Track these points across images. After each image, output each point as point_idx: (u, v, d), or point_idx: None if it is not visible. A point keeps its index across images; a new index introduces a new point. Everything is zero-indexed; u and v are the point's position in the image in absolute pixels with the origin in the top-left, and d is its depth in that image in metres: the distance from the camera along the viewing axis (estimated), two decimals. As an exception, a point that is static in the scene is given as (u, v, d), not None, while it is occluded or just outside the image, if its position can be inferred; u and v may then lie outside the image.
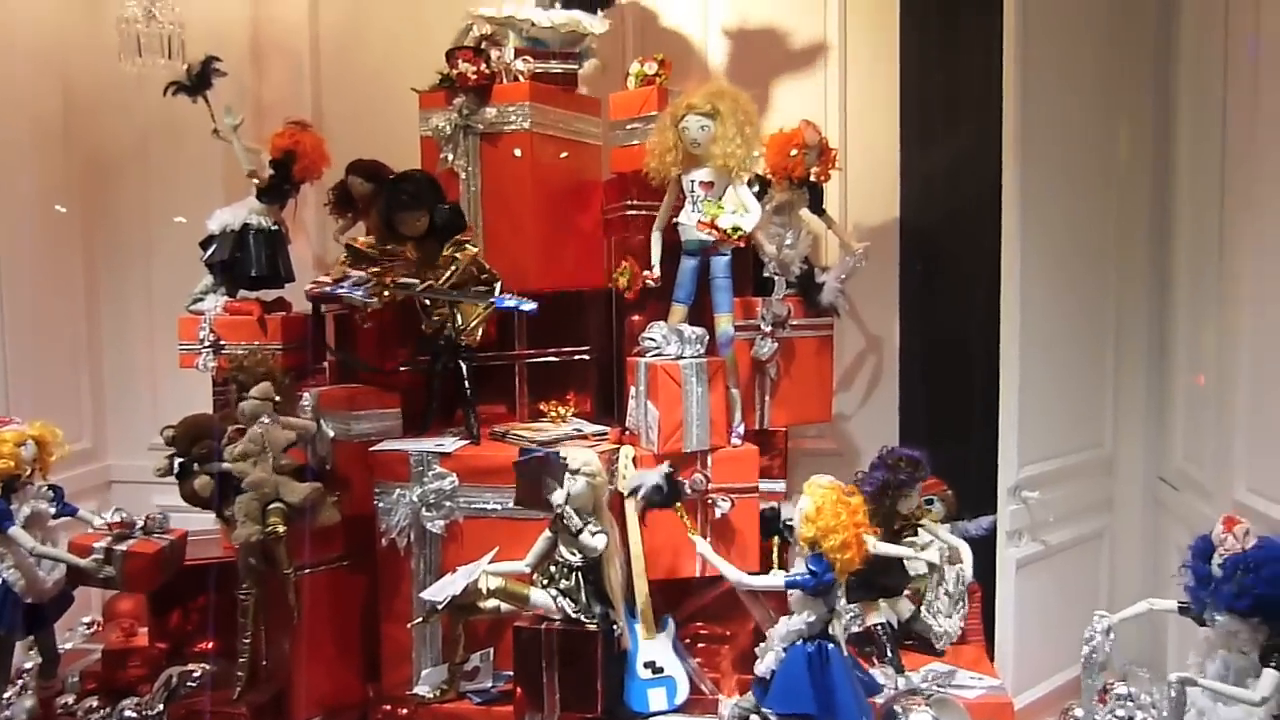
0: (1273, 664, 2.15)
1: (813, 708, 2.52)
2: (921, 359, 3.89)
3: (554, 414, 3.41)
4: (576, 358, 3.57)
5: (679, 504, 2.96)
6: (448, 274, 3.17)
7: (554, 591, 2.83)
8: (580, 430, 3.35)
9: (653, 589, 3.04)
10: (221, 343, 3.51)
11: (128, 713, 3.10)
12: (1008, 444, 3.19)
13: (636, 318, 3.42)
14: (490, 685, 3.05)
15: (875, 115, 3.87)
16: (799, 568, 2.59)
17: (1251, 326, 2.85)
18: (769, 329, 3.37)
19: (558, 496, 2.78)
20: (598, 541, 2.76)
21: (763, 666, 2.65)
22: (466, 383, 3.30)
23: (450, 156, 3.43)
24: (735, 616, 3.22)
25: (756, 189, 3.32)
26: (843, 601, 2.75)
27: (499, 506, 3.07)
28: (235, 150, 3.57)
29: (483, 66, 3.35)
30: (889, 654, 3.04)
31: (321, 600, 3.22)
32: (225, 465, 3.05)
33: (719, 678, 3.17)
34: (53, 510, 3.09)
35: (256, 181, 3.56)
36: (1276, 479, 2.70)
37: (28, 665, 3.25)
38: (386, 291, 3.14)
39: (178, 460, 3.11)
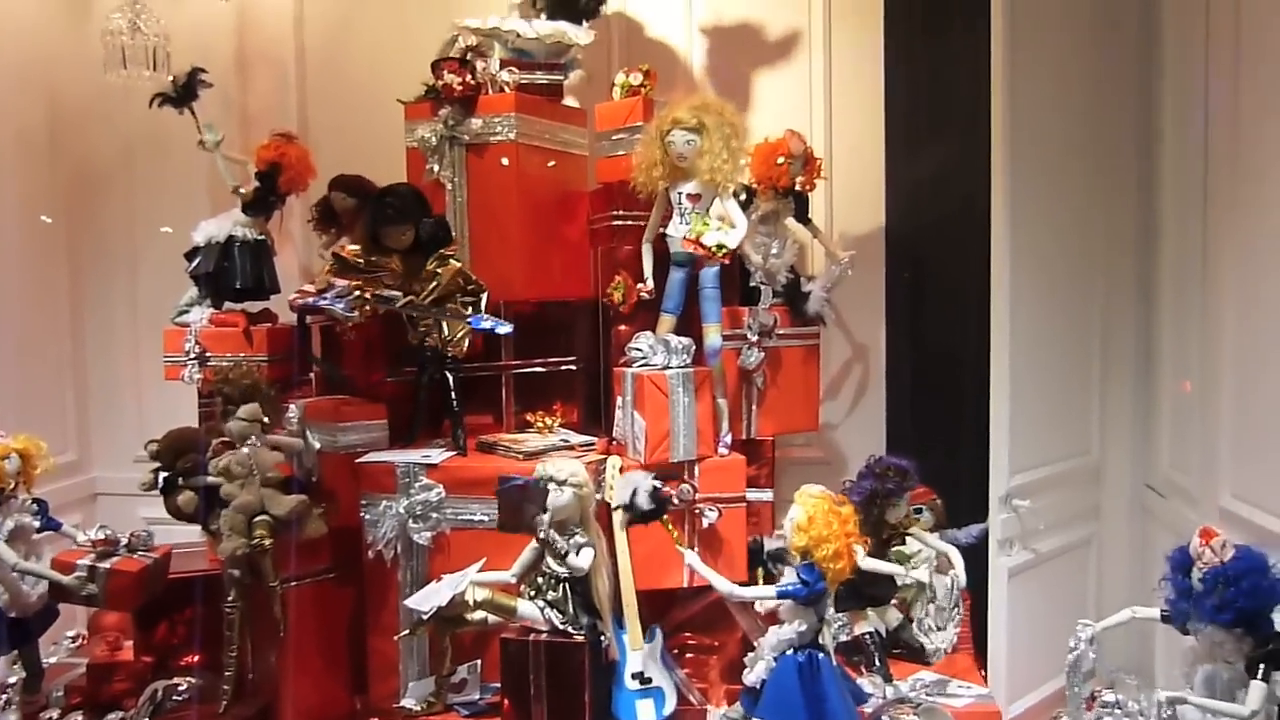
0: (1258, 676, 2.15)
1: (803, 717, 2.52)
2: (908, 367, 3.90)
3: (541, 424, 3.41)
4: (563, 368, 3.57)
5: (665, 516, 2.96)
6: (430, 288, 3.17)
7: (541, 603, 2.82)
8: (567, 441, 3.34)
9: (640, 599, 3.04)
10: (207, 354, 3.50)
11: (113, 728, 3.08)
12: (999, 453, 3.19)
13: (623, 328, 3.42)
14: (478, 697, 3.04)
15: (860, 124, 3.89)
16: (790, 577, 2.59)
17: (1235, 333, 2.86)
18: (755, 338, 3.37)
19: (542, 523, 2.76)
20: (583, 562, 2.76)
21: (752, 676, 2.66)
22: (453, 394, 3.29)
23: (436, 167, 3.43)
24: (723, 626, 3.22)
25: (743, 197, 3.33)
26: (831, 610, 2.75)
27: (486, 518, 3.06)
28: (219, 166, 3.57)
29: (468, 77, 3.35)
30: (877, 663, 3.04)
31: (308, 613, 3.19)
32: (210, 479, 3.03)
33: (707, 688, 3.16)
34: (37, 524, 3.08)
35: (243, 192, 3.56)
36: (1261, 485, 2.71)
37: (11, 680, 3.21)
38: (368, 305, 3.13)
39: (162, 475, 3.10)
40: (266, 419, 3.08)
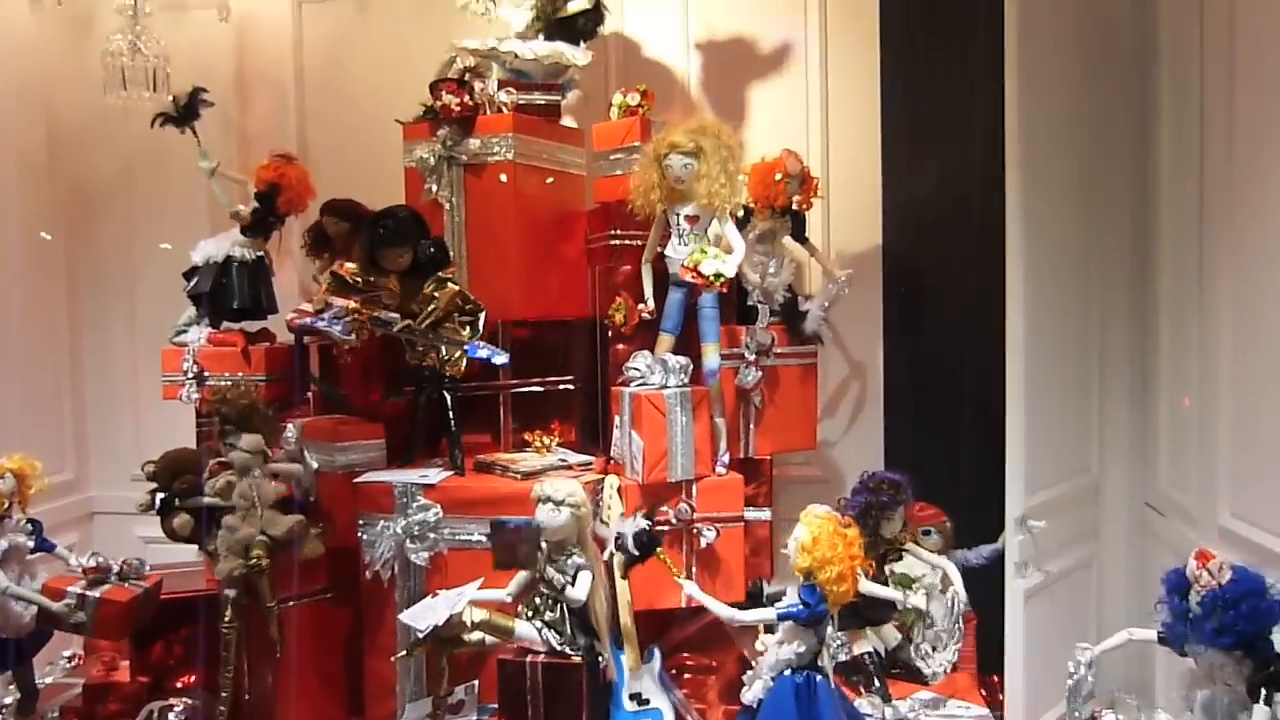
0: (1260, 700, 2.14)
1: (799, 737, 2.51)
2: (905, 384, 3.89)
3: (539, 444, 3.40)
4: (561, 387, 3.56)
5: (659, 550, 2.95)
6: (428, 310, 3.17)
7: (539, 623, 2.81)
8: (565, 460, 3.34)
9: (638, 620, 3.03)
10: (205, 374, 3.51)
11: (108, 749, 3.08)
12: (1015, 474, 3.09)
13: (621, 347, 3.42)
14: (475, 718, 3.03)
15: (856, 142, 3.90)
16: (791, 598, 2.58)
17: (1232, 351, 2.86)
18: (753, 357, 3.38)
19: (538, 559, 2.77)
20: (580, 594, 2.75)
21: (750, 695, 2.65)
22: (451, 413, 3.29)
23: (434, 187, 3.44)
24: (721, 646, 3.21)
25: (741, 213, 3.34)
26: (831, 630, 2.75)
27: (483, 538, 3.05)
28: (215, 191, 3.58)
29: (466, 98, 3.37)
30: (876, 683, 3.03)
31: (305, 633, 3.19)
32: (207, 500, 3.03)
33: (705, 709, 3.15)
34: (31, 544, 3.07)
35: (241, 215, 3.57)
36: (1260, 504, 2.70)
37: (6, 700, 3.21)
38: (365, 329, 3.13)
39: (159, 496, 3.09)
40: (267, 449, 3.09)
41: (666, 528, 3.08)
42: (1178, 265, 3.29)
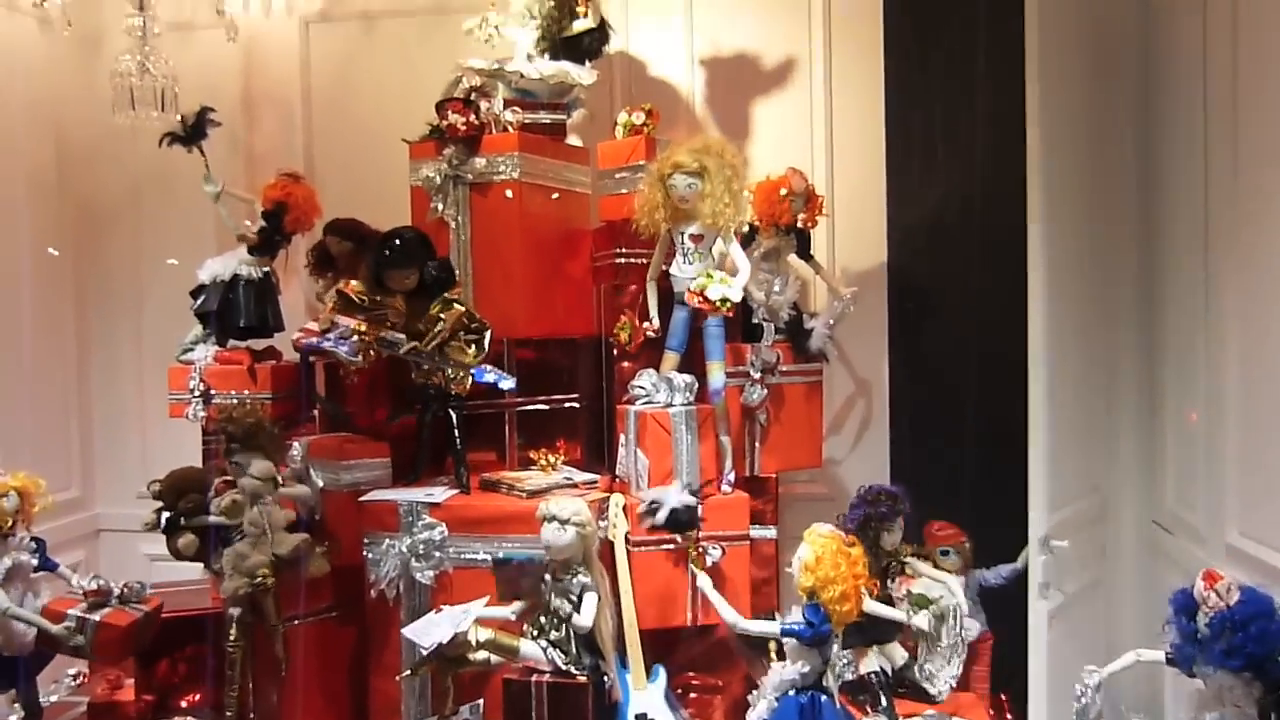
0: None
1: (803, 758, 2.50)
2: (910, 402, 3.89)
3: (544, 462, 3.40)
4: (567, 405, 3.56)
5: (693, 532, 2.94)
6: (434, 332, 3.17)
7: (544, 643, 2.81)
8: (570, 478, 3.33)
9: (643, 638, 3.02)
10: (211, 392, 3.51)
11: (113, 768, 3.07)
12: (1037, 492, 3.06)
13: (627, 365, 3.42)
14: (480, 738, 3.02)
15: (861, 161, 3.90)
16: (795, 616, 2.57)
17: (1239, 369, 2.85)
18: (758, 375, 3.37)
19: (543, 592, 2.80)
20: (586, 621, 2.75)
21: (755, 715, 2.64)
22: (456, 431, 3.29)
23: (440, 206, 3.45)
24: (727, 666, 3.20)
25: (746, 229, 3.35)
26: (837, 649, 2.73)
27: (488, 557, 3.06)
28: (221, 215, 3.60)
29: (472, 117, 3.38)
30: (883, 703, 3.01)
31: (310, 652, 3.19)
32: (213, 519, 3.03)
33: (711, 728, 3.14)
34: (35, 562, 3.06)
35: (248, 235, 3.59)
36: (1268, 523, 2.69)
37: (11, 718, 3.20)
38: (372, 350, 3.14)
39: (164, 515, 3.09)
40: (278, 477, 3.10)
41: (672, 546, 3.06)
42: (1184, 284, 3.29)
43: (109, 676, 3.49)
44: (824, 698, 2.55)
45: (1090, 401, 3.55)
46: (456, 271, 3.35)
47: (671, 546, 3.06)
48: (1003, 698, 3.28)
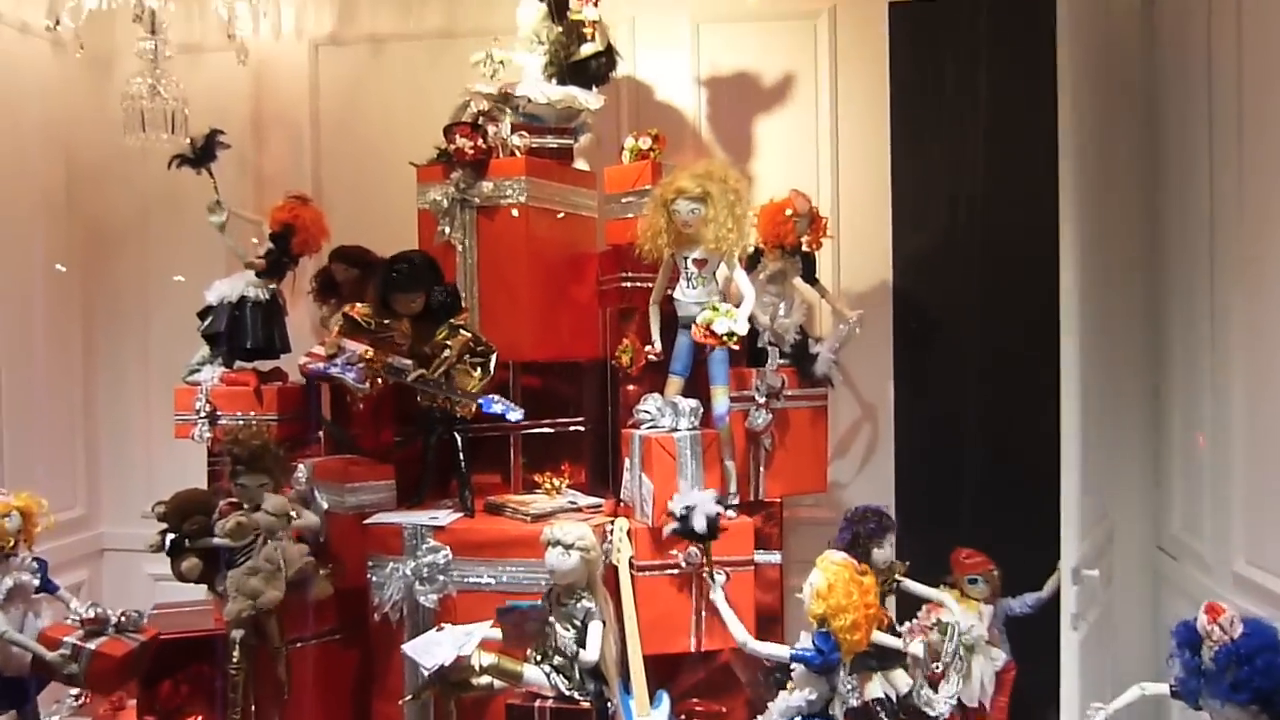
0: None
1: (808, 788, 2.49)
2: (915, 426, 3.89)
3: (549, 485, 3.40)
4: (572, 429, 3.57)
5: (709, 544, 2.95)
6: (441, 358, 3.18)
7: (547, 668, 2.80)
8: (575, 502, 3.34)
9: (647, 664, 3.01)
10: (218, 413, 3.52)
11: (114, 790, 3.06)
12: (1070, 521, 2.95)
13: (632, 388, 3.43)
14: (482, 763, 3.01)
15: (867, 183, 3.91)
16: (805, 643, 2.57)
17: (1245, 395, 2.85)
18: (763, 400, 3.37)
19: (548, 637, 2.80)
20: (593, 655, 2.75)
21: (761, 741, 2.63)
22: (461, 454, 3.29)
23: (447, 229, 3.46)
24: (731, 692, 3.18)
25: (751, 250, 3.36)
26: (844, 675, 2.72)
27: (493, 580, 3.06)
28: (228, 243, 3.62)
29: (480, 141, 3.40)
30: (888, 730, 3.00)
31: (313, 674, 3.19)
32: (217, 540, 3.03)
33: (714, 755, 3.12)
34: (36, 582, 3.05)
35: (256, 260, 3.61)
36: (1275, 551, 2.68)
37: (12, 741, 3.20)
38: (379, 378, 3.15)
39: (169, 537, 3.09)
40: (291, 513, 3.11)
41: (676, 571, 3.06)
42: (1189, 309, 3.29)
43: (111, 698, 3.48)
44: (829, 726, 2.55)
45: (1097, 425, 3.54)
46: (463, 295, 3.36)
47: (675, 571, 3.05)
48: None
